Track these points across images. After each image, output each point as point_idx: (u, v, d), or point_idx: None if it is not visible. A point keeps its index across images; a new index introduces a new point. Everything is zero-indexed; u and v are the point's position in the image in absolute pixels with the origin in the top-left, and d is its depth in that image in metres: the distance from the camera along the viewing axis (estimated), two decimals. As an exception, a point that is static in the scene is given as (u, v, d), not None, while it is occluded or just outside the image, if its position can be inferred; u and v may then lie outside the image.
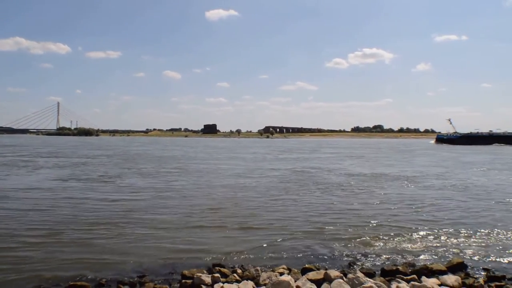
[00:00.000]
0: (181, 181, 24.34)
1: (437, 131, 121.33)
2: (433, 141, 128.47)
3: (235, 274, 8.07)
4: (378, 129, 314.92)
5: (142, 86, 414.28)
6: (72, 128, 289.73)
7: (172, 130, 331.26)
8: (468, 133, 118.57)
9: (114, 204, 16.46)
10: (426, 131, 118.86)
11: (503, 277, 8.17)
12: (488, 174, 30.54)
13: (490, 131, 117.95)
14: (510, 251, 10.14)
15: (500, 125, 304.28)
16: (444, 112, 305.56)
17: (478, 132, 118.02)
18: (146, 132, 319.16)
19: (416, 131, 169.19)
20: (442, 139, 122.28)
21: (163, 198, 18.07)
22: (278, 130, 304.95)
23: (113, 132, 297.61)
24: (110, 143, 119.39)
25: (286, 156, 53.60)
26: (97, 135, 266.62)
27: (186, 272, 8.23)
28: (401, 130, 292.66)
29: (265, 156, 54.07)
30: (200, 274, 7.91)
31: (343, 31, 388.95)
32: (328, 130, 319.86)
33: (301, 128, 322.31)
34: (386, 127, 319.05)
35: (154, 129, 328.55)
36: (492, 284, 7.67)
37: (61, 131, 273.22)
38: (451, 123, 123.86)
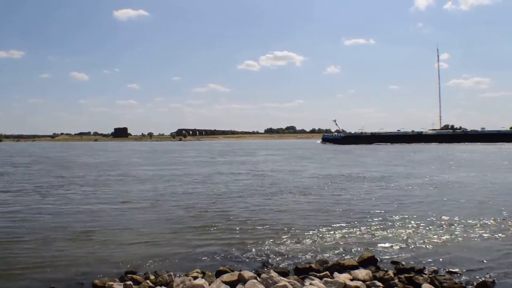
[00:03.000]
0: (136, 190, 22.20)
1: (347, 131, 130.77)
2: (319, 141, 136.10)
3: (148, 281, 7.86)
4: (291, 130, 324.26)
5: (48, 88, 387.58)
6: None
7: (80, 134, 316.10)
8: (351, 133, 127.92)
9: (38, 215, 15.19)
10: (337, 131, 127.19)
11: (412, 269, 8.60)
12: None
13: (372, 132, 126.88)
14: (418, 244, 10.71)
15: (408, 124, 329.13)
16: (355, 113, 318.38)
17: (361, 133, 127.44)
18: (53, 136, 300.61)
19: (328, 131, 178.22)
20: (328, 139, 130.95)
21: (93, 207, 16.97)
22: (191, 132, 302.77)
23: (18, 137, 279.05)
24: (20, 149, 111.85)
25: (230, 159, 52.52)
26: (0, 140, 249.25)
27: (97, 281, 7.93)
28: (313, 131, 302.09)
29: (207, 160, 52.03)
30: (111, 283, 7.67)
31: (254, 34, 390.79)
32: (241, 132, 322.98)
33: (215, 130, 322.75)
34: (298, 128, 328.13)
35: (62, 134, 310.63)
36: (402, 276, 8.02)
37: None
38: (336, 124, 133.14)
